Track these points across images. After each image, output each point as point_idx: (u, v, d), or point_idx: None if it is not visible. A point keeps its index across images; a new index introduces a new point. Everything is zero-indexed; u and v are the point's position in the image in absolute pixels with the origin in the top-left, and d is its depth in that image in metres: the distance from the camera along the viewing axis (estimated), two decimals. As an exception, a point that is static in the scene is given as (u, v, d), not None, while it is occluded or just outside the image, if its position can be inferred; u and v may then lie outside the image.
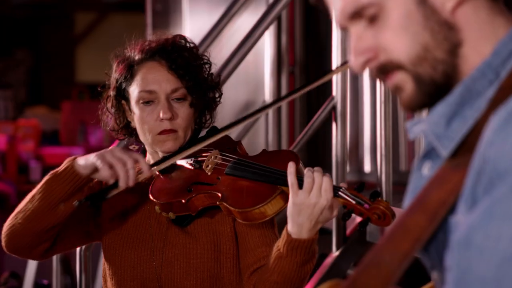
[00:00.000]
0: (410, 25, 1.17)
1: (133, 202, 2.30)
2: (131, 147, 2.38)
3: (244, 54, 3.35)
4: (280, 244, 2.10)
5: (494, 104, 1.13)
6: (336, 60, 3.17)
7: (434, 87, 1.19)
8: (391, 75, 1.21)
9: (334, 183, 3.11)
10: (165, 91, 2.21)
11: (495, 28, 1.18)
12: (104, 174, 2.08)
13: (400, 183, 3.42)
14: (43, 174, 5.56)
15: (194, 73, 2.24)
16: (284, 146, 4.28)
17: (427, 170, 1.20)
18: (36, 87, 12.16)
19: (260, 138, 4.21)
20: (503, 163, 1.04)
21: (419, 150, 4.96)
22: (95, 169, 2.09)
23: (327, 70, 3.30)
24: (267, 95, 4.24)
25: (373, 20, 1.19)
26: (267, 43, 4.27)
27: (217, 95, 2.33)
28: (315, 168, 2.05)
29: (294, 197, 2.03)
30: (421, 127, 1.20)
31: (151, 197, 2.23)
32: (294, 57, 4.50)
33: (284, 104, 4.22)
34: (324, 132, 3.62)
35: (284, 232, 2.09)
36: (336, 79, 3.15)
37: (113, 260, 2.25)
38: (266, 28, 3.44)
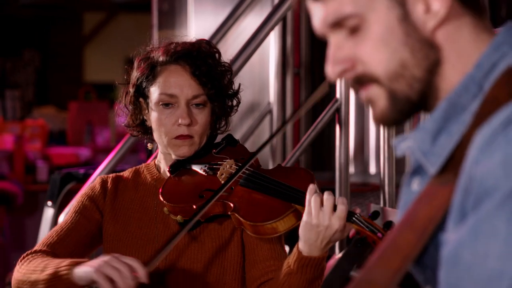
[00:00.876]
0: (390, 40, 1.16)
1: (139, 202, 2.30)
2: (148, 146, 2.40)
3: (249, 55, 3.35)
4: (290, 261, 2.11)
5: (479, 117, 1.12)
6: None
7: (408, 105, 1.19)
8: (366, 87, 1.20)
9: (337, 184, 3.15)
10: (186, 96, 2.22)
11: (478, 46, 1.18)
12: (104, 287, 2.04)
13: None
14: (50, 174, 5.51)
15: (216, 81, 2.25)
16: (289, 147, 4.28)
17: (416, 185, 1.20)
18: (43, 87, 12.17)
19: (265, 139, 4.21)
20: (489, 181, 1.04)
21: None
22: (92, 282, 2.07)
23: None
24: (272, 96, 4.25)
25: (354, 31, 1.18)
26: (272, 45, 4.28)
27: (235, 102, 2.35)
28: (327, 192, 2.06)
29: (309, 217, 2.04)
30: (407, 144, 1.19)
31: (161, 198, 2.23)
32: (299, 59, 4.50)
33: (288, 106, 4.23)
34: (328, 133, 3.62)
35: (295, 249, 2.11)
36: (339, 81, 3.15)
37: None
38: (271, 29, 3.44)
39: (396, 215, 2.20)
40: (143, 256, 2.22)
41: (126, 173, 2.39)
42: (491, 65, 1.15)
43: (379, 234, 2.01)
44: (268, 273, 2.18)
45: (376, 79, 1.18)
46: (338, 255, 3.18)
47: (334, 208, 2.04)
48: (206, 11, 4.27)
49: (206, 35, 3.73)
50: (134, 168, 2.40)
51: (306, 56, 4.53)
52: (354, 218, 2.04)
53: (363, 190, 4.10)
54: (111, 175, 2.39)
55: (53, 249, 2.22)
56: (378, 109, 1.20)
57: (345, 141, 3.13)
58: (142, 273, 2.02)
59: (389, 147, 3.02)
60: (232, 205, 2.15)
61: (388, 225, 2.04)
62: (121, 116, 2.35)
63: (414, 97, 1.18)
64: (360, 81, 1.20)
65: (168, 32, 4.48)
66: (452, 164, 1.14)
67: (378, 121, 1.22)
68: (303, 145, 3.23)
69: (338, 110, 3.14)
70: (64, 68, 12.66)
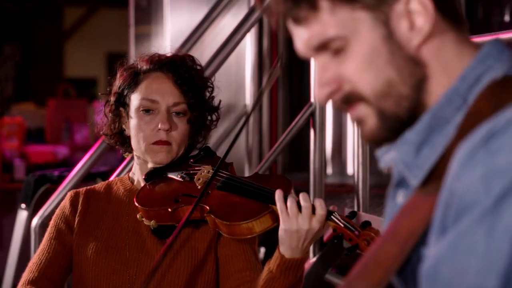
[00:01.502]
0: (375, 60, 1.17)
1: (111, 213, 2.30)
2: (124, 155, 2.40)
3: (225, 57, 3.35)
4: (272, 266, 2.10)
5: (462, 130, 1.12)
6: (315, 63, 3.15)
7: (397, 123, 1.19)
8: (354, 106, 1.20)
9: (312, 188, 3.14)
10: (167, 103, 2.24)
11: (462, 59, 1.18)
12: None
13: (381, 186, 3.42)
14: (27, 172, 5.47)
15: (198, 92, 2.27)
16: (265, 150, 4.27)
17: (401, 198, 1.21)
18: (24, 82, 12.11)
19: (240, 141, 4.21)
20: (469, 196, 1.04)
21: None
22: None
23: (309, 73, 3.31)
24: (248, 98, 4.24)
25: (338, 52, 1.18)
26: (248, 47, 4.27)
27: (214, 118, 2.35)
28: (302, 195, 2.07)
29: (285, 223, 2.05)
30: (391, 156, 1.19)
31: (136, 203, 2.23)
32: (276, 60, 4.49)
33: (265, 107, 4.22)
34: (306, 134, 3.61)
35: (276, 254, 2.10)
36: (313, 84, 3.14)
37: (87, 268, 2.24)
38: (247, 31, 3.43)
39: (370, 219, 2.21)
40: (113, 264, 2.21)
41: (99, 186, 2.39)
42: (476, 78, 1.16)
43: (356, 232, 2.03)
44: (244, 283, 2.17)
45: (364, 98, 1.18)
46: (312, 259, 3.18)
47: (313, 209, 2.05)
48: (182, 8, 4.27)
49: (182, 32, 3.73)
50: (106, 181, 2.41)
51: (284, 57, 4.51)
52: (332, 217, 2.06)
53: (339, 192, 4.10)
54: (83, 188, 2.38)
55: (38, 286, 2.25)
56: (368, 128, 1.21)
57: (320, 145, 3.12)
58: None
59: (363, 151, 3.02)
60: (207, 207, 2.15)
61: (365, 224, 2.05)
62: (101, 124, 2.35)
63: (403, 115, 1.18)
64: (348, 101, 1.20)
65: (145, 27, 4.48)
66: (435, 176, 1.14)
67: (368, 140, 1.22)
68: (278, 149, 3.23)
69: (312, 114, 3.14)
70: (45, 63, 12.60)
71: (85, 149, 7.23)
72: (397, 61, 1.16)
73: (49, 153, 7.05)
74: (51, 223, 2.35)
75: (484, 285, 1.01)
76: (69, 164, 6.55)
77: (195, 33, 3.67)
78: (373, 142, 1.22)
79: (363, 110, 1.19)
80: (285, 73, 4.53)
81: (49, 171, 4.05)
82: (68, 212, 2.31)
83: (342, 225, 2.05)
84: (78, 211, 2.31)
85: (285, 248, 2.07)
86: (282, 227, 2.06)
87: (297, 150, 4.40)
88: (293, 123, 3.20)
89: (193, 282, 2.20)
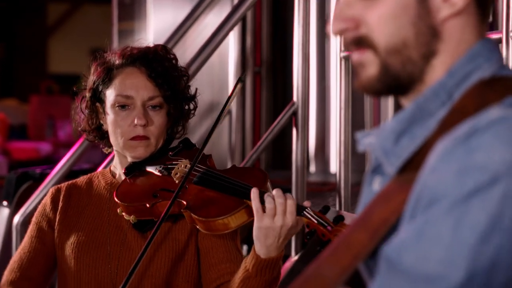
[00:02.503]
0: (401, 16, 1.17)
1: (93, 207, 2.31)
2: (104, 150, 2.39)
3: (208, 55, 3.34)
4: (248, 265, 2.10)
5: (444, 125, 1.13)
6: (297, 62, 3.15)
7: (394, 82, 1.19)
8: (362, 50, 1.20)
9: (294, 187, 3.15)
10: (142, 97, 2.23)
11: (469, 48, 1.19)
12: None
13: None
14: (10, 169, 5.43)
15: (173, 83, 2.27)
16: (248, 148, 4.27)
17: (377, 185, 1.21)
18: (7, 78, 12.06)
19: (223, 139, 4.21)
20: (440, 187, 1.05)
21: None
22: None
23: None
24: (231, 96, 4.22)
25: None
26: (231, 45, 4.27)
27: (192, 107, 2.35)
28: (276, 191, 2.07)
29: (260, 221, 2.05)
30: (370, 140, 1.20)
31: (115, 199, 2.24)
32: (260, 58, 4.50)
33: (248, 105, 4.22)
34: (289, 132, 3.62)
35: (252, 253, 2.10)
36: (297, 83, 3.15)
37: (69, 263, 2.24)
38: (231, 29, 3.43)
39: (346, 216, 2.20)
40: (95, 258, 2.22)
41: (81, 180, 2.39)
42: (464, 75, 1.16)
43: (329, 228, 2.01)
44: (224, 275, 2.18)
45: (375, 47, 1.18)
46: (294, 257, 3.19)
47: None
48: (166, 5, 4.27)
49: (165, 28, 3.73)
50: (88, 175, 2.41)
51: (267, 55, 4.52)
52: (304, 212, 2.05)
53: (321, 190, 4.10)
54: (64, 184, 2.39)
55: (19, 286, 2.26)
56: (365, 75, 1.20)
57: (302, 144, 3.13)
58: None
59: (346, 150, 3.03)
60: (185, 203, 2.16)
61: (338, 219, 2.03)
62: (79, 121, 2.34)
63: (403, 77, 1.18)
64: (358, 43, 1.20)
65: (128, 24, 4.47)
66: (412, 167, 1.14)
67: (361, 87, 1.22)
68: (260, 148, 3.23)
69: (295, 113, 3.14)
70: (28, 59, 12.55)
71: (68, 146, 7.20)
72: (420, 25, 1.17)
73: (32, 150, 7.03)
74: (33, 220, 2.35)
75: (444, 275, 1.01)
76: (52, 161, 6.53)
77: (178, 31, 3.66)
78: (364, 90, 1.22)
79: (368, 57, 1.19)
80: (269, 70, 4.53)
81: (31, 168, 4.03)
82: (49, 209, 2.32)
83: (315, 221, 2.04)
84: (59, 208, 2.31)
85: (260, 246, 2.07)
86: (256, 225, 2.06)
87: (280, 148, 4.41)
88: (276, 121, 3.21)
89: (175, 273, 2.20)
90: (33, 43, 12.70)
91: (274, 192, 2.07)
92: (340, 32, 1.21)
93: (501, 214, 1.02)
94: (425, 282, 1.03)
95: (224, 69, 4.25)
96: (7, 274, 2.30)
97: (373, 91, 1.21)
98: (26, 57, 12.55)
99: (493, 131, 1.05)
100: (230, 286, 2.15)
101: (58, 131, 7.59)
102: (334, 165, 4.49)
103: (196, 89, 2.36)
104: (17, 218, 3.47)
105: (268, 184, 2.19)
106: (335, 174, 4.59)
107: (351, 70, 2.97)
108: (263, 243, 2.07)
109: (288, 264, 3.18)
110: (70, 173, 3.59)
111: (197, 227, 2.17)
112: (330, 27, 1.23)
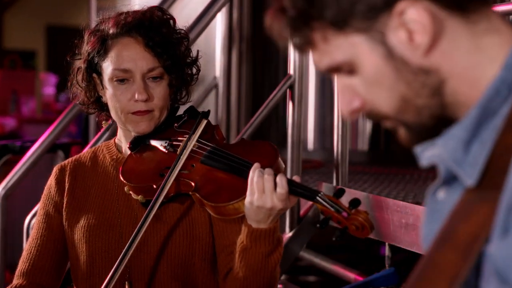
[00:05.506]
0: (382, 79, 1.15)
1: (100, 186, 2.21)
2: (103, 124, 2.30)
3: (196, 36, 3.22)
4: (242, 236, 2.04)
5: (511, 121, 1.09)
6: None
7: (425, 130, 1.17)
8: (381, 120, 1.20)
9: (289, 162, 3.10)
10: (141, 70, 2.11)
11: (484, 50, 1.14)
12: None
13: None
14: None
15: (172, 51, 2.14)
16: (233, 122, 4.23)
17: (442, 194, 1.17)
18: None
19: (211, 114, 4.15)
20: None
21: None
22: None
23: (274, 47, 3.24)
24: (218, 71, 4.18)
25: (351, 73, 1.17)
26: (218, 19, 4.20)
27: (194, 71, 2.24)
28: (268, 171, 1.96)
29: (251, 197, 1.96)
30: (434, 152, 1.15)
31: (121, 178, 2.14)
32: (241, 34, 4.44)
33: (234, 80, 4.17)
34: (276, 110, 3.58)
35: (243, 225, 2.03)
36: (294, 57, 3.10)
37: (81, 247, 2.16)
38: (218, 10, 3.33)
39: (352, 195, 2.12)
40: (107, 242, 2.14)
41: (84, 155, 2.29)
42: None
43: (344, 214, 1.89)
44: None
45: (385, 115, 1.18)
46: (288, 234, 3.15)
47: (276, 186, 1.95)
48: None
49: (149, 3, 3.61)
50: (93, 148, 2.31)
51: (247, 31, 4.46)
52: (318, 198, 1.93)
53: (305, 167, 4.07)
54: (68, 160, 2.29)
55: (32, 279, 2.20)
56: (401, 137, 1.20)
57: (298, 118, 3.08)
58: None
59: (343, 125, 2.99)
60: (193, 184, 2.06)
61: (354, 203, 1.91)
62: (76, 93, 2.24)
63: (427, 122, 1.16)
64: (374, 118, 1.20)
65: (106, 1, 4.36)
66: (489, 175, 1.09)
67: (407, 146, 1.21)
68: (255, 122, 3.17)
69: (291, 86, 3.09)
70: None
71: (32, 121, 7.06)
72: (405, 76, 1.14)
73: (-5, 125, 6.89)
74: (40, 204, 2.26)
75: None
76: (16, 136, 6.40)
77: (163, 5, 3.57)
78: (412, 147, 1.20)
79: (389, 123, 1.20)
80: (249, 46, 4.48)
81: (10, 141, 3.93)
82: (54, 192, 2.23)
83: (330, 208, 1.92)
84: (66, 189, 2.22)
85: (251, 220, 2.01)
86: (246, 200, 1.97)
87: (267, 126, 4.37)
88: (271, 96, 3.15)
89: (191, 253, 2.13)
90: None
91: (266, 174, 1.96)
92: (352, 114, 1.21)
93: None
94: None
95: (211, 44, 4.19)
96: (20, 264, 2.23)
97: (419, 143, 1.19)
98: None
99: None
100: (233, 262, 2.09)
101: (21, 106, 7.44)
102: (312, 143, 4.48)
103: (198, 51, 2.25)
104: (-1, 190, 3.38)
105: (279, 160, 2.09)
106: (312, 152, 4.59)
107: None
108: (253, 218, 2.00)
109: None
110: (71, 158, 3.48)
111: (207, 210, 2.08)
112: (342, 111, 1.22)
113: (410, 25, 1.11)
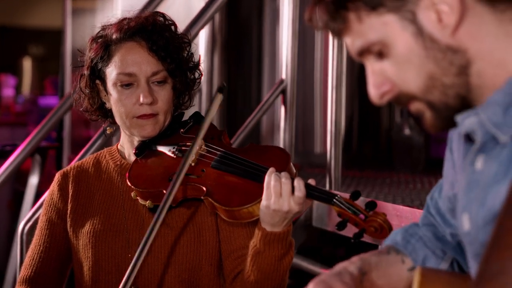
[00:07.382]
0: (412, 58, 1.21)
1: (104, 192, 2.21)
2: (107, 130, 2.29)
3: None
4: (255, 240, 2.05)
5: None
6: (286, 39, 3.12)
7: (450, 111, 1.23)
8: (409, 103, 1.26)
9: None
10: (145, 74, 2.13)
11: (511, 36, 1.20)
12: None
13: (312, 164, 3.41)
14: None
15: (176, 54, 2.16)
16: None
17: (480, 164, 1.21)
18: None
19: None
20: None
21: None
22: None
23: (249, 48, 3.26)
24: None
25: (381, 55, 1.25)
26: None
27: (197, 75, 2.26)
28: (284, 175, 1.97)
29: (268, 201, 1.97)
30: (474, 119, 1.21)
31: (128, 183, 2.13)
32: (223, 38, 4.43)
33: (216, 84, 4.16)
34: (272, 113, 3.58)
35: (257, 229, 2.04)
36: (286, 61, 3.11)
37: (86, 253, 2.15)
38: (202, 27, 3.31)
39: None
40: (114, 248, 2.14)
41: (87, 161, 2.28)
42: None
43: (362, 216, 1.91)
44: (245, 261, 2.11)
45: (413, 96, 1.24)
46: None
47: (293, 189, 1.97)
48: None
49: (132, 6, 3.59)
50: (95, 154, 2.30)
51: (222, 33, 4.46)
52: (334, 200, 1.94)
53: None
54: (71, 166, 2.28)
55: (34, 285, 2.19)
56: (427, 121, 1.26)
57: (290, 122, 3.10)
58: None
59: (337, 129, 3.01)
60: (204, 188, 2.06)
61: (371, 205, 1.91)
62: (79, 101, 2.23)
63: (453, 102, 1.22)
64: (401, 101, 1.26)
65: (86, 2, 4.31)
66: None
67: (431, 130, 1.26)
68: (249, 126, 3.18)
69: (284, 91, 3.10)
70: None
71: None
72: (433, 54, 1.20)
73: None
74: (42, 211, 2.26)
75: None
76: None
77: (147, 8, 3.56)
78: (435, 130, 1.26)
79: (417, 106, 1.25)
80: (223, 49, 4.47)
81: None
82: (57, 198, 2.22)
83: (348, 210, 1.92)
84: (70, 196, 2.21)
85: (266, 224, 2.02)
86: (262, 203, 1.98)
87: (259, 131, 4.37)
88: (263, 100, 3.16)
89: (198, 258, 2.13)
90: None
91: (283, 178, 1.97)
92: (381, 98, 1.27)
93: None
94: None
95: (193, 48, 4.16)
96: (22, 270, 2.22)
97: (443, 128, 1.26)
98: None
99: None
100: (244, 266, 2.10)
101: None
102: (318, 147, 4.49)
103: (200, 56, 2.28)
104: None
105: (291, 164, 2.09)
106: (319, 155, 4.59)
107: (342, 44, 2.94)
108: (267, 221, 2.02)
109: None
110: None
111: (219, 214, 2.08)
112: (371, 96, 1.29)
113: (439, 6, 1.19)
